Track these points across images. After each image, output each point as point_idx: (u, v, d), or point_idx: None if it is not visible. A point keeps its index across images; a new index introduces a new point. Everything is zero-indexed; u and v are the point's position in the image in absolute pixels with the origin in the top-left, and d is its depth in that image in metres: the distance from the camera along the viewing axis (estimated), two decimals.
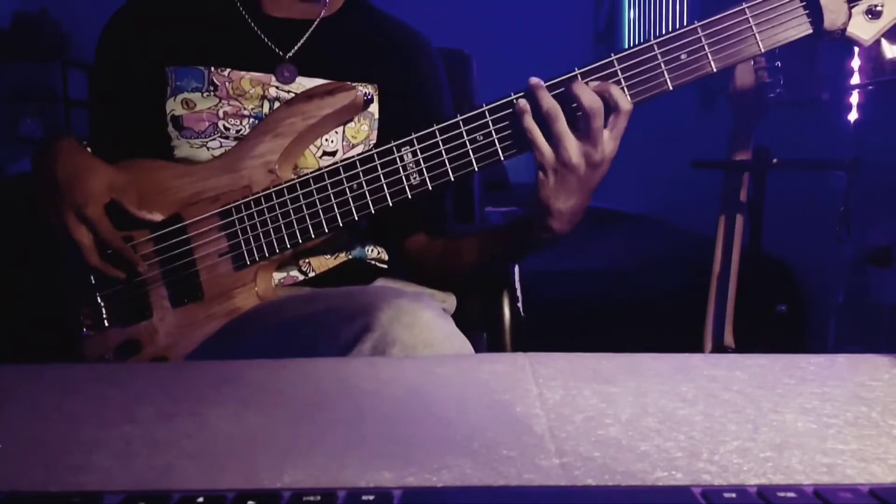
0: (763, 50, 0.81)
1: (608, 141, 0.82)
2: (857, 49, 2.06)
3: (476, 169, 0.85)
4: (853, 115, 2.04)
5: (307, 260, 0.97)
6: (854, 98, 2.04)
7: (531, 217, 0.89)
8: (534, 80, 0.83)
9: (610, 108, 0.81)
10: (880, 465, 0.39)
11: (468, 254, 1.00)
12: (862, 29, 0.80)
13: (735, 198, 1.70)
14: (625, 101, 0.81)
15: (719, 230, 1.72)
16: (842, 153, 1.91)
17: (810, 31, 0.80)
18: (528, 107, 0.82)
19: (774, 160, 1.68)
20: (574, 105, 0.81)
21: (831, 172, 1.94)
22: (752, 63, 1.55)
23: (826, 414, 0.46)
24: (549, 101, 0.81)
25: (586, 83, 0.81)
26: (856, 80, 2.00)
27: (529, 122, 0.82)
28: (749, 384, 0.51)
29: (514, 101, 0.83)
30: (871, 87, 1.96)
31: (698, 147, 2.25)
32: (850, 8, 0.80)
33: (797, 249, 2.20)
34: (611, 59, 0.83)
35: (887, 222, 1.86)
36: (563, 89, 0.82)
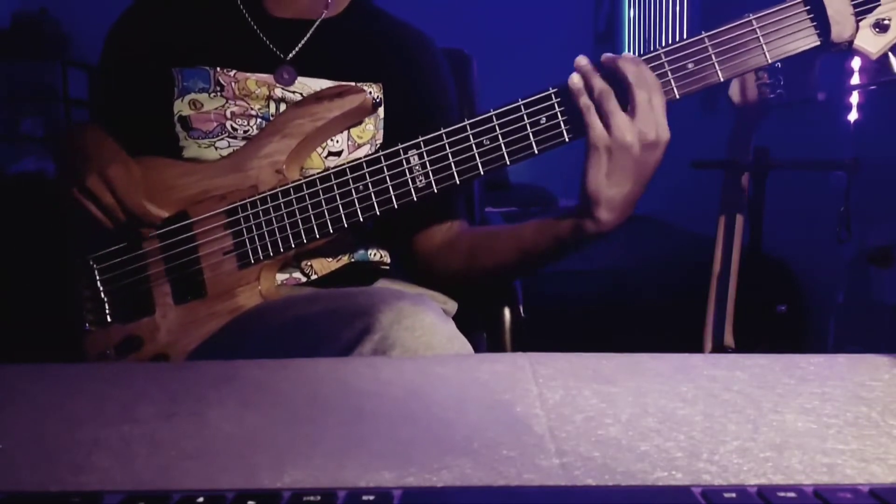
0: (770, 61, 0.81)
1: (658, 118, 0.80)
2: None
3: (482, 173, 0.85)
4: (853, 115, 2.04)
5: (309, 262, 0.97)
6: (854, 98, 2.04)
7: (576, 210, 0.86)
8: (582, 60, 0.82)
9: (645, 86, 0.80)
10: (880, 465, 0.39)
11: (500, 253, 0.96)
12: (869, 42, 0.80)
13: (735, 198, 1.70)
14: (652, 77, 0.80)
15: (719, 230, 1.72)
16: (842, 153, 1.91)
17: (818, 42, 0.80)
18: (582, 85, 0.81)
19: (774, 160, 1.68)
20: (618, 83, 0.81)
21: (831, 172, 1.94)
22: None
23: (826, 414, 0.46)
24: (599, 81, 0.81)
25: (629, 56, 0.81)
26: (856, 80, 2.00)
27: (585, 101, 0.81)
28: (749, 384, 0.51)
29: (569, 78, 0.82)
30: (871, 87, 1.96)
31: (698, 147, 2.25)
32: (858, 21, 0.79)
33: (797, 249, 2.20)
34: None
35: (887, 222, 1.86)
36: (606, 68, 0.82)
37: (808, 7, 0.80)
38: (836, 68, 2.05)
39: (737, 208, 1.69)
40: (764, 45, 0.81)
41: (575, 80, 0.82)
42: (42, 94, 4.16)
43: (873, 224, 1.88)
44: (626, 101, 0.80)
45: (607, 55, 0.82)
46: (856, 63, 1.97)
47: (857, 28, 0.79)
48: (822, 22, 0.80)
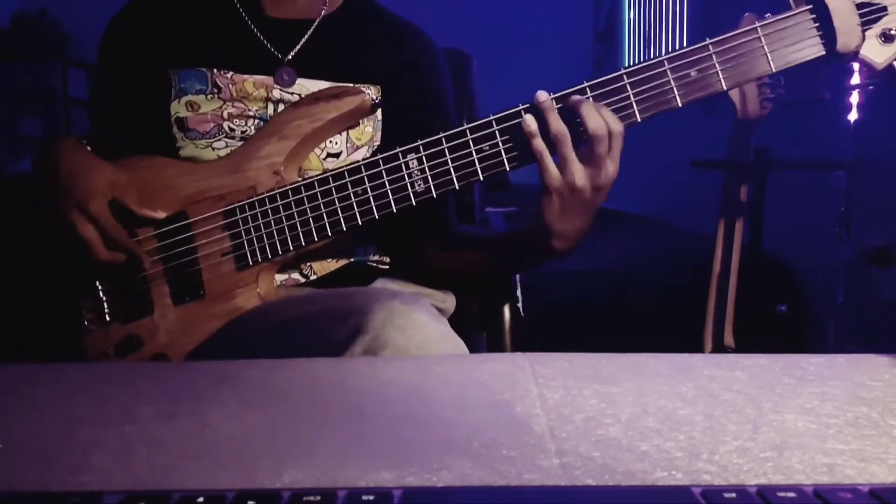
0: (774, 70, 0.80)
1: (610, 164, 0.81)
2: None
3: (481, 178, 0.85)
4: (853, 115, 2.04)
5: (308, 263, 0.97)
6: (854, 98, 2.04)
7: (534, 234, 0.89)
8: (542, 96, 0.81)
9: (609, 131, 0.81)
10: (880, 465, 0.39)
11: (474, 260, 1.00)
12: (875, 52, 0.79)
13: (735, 198, 1.70)
14: (616, 123, 0.80)
15: (719, 230, 1.72)
16: (842, 153, 1.91)
17: (823, 52, 0.79)
18: (536, 128, 0.81)
19: (774, 160, 1.68)
20: (578, 124, 0.81)
21: (831, 172, 1.94)
22: None
23: (826, 414, 0.46)
24: (557, 124, 0.81)
25: (593, 102, 0.81)
26: (856, 80, 2.00)
27: (538, 144, 0.81)
28: (749, 384, 0.51)
29: (522, 118, 0.82)
30: (871, 87, 1.96)
31: (698, 147, 2.25)
32: (864, 31, 0.78)
33: (797, 249, 2.20)
34: (620, 73, 0.82)
35: (887, 222, 1.86)
36: (569, 107, 0.81)
37: (813, 16, 0.79)
38: (837, 68, 2.05)
39: (737, 208, 1.69)
40: (769, 54, 0.80)
41: (528, 121, 0.81)
42: (42, 94, 4.16)
43: (873, 224, 1.89)
44: (584, 147, 0.81)
45: (573, 99, 0.81)
46: (856, 63, 1.97)
47: (864, 38, 0.78)
48: (827, 31, 0.79)
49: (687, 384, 0.51)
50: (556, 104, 0.82)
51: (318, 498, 0.34)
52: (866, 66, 0.80)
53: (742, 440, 0.42)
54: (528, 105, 0.83)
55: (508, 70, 3.03)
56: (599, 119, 0.79)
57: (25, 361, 0.59)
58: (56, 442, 0.43)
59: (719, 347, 1.70)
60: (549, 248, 0.88)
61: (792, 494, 0.34)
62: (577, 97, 0.81)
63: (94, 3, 2.31)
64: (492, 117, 0.84)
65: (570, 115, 0.81)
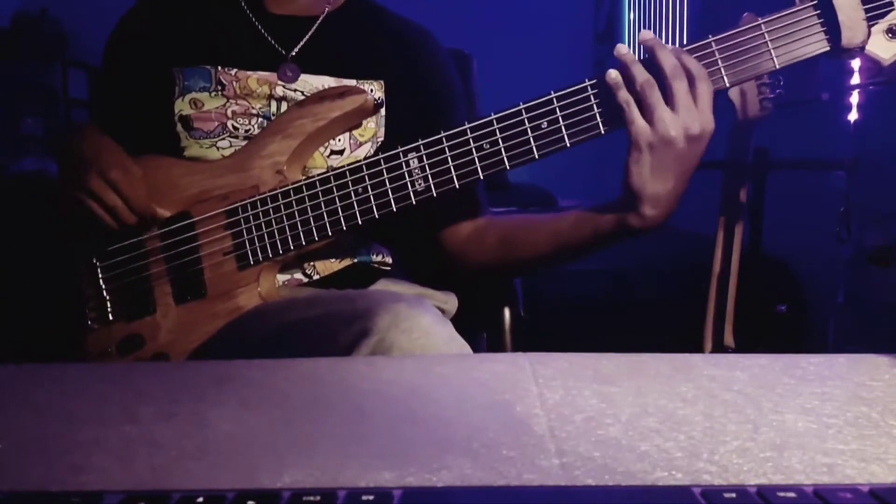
0: (778, 66, 0.79)
1: (700, 111, 0.77)
2: None
3: (481, 177, 0.85)
4: (853, 115, 2.04)
5: (311, 263, 0.97)
6: (854, 98, 2.04)
7: (619, 205, 0.84)
8: (623, 49, 0.79)
9: (687, 73, 0.78)
10: (880, 465, 0.39)
11: (537, 245, 0.95)
12: (882, 48, 0.78)
13: (735, 198, 1.70)
14: (695, 65, 0.77)
15: (719, 230, 1.72)
16: (842, 153, 1.91)
17: (827, 48, 0.78)
18: (620, 79, 0.79)
19: (774, 160, 1.68)
20: (658, 74, 0.78)
21: (831, 172, 1.94)
22: None
23: (826, 414, 0.46)
24: (641, 73, 0.78)
25: (671, 47, 0.78)
26: (856, 80, 2.00)
27: (624, 96, 0.79)
28: (749, 384, 0.51)
29: (607, 73, 0.80)
30: (871, 87, 1.96)
31: None
32: (870, 26, 0.77)
33: (797, 249, 2.20)
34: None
35: (887, 222, 1.86)
36: (644, 59, 0.80)
37: (818, 11, 0.78)
38: (837, 68, 2.05)
39: (737, 208, 1.69)
40: (772, 50, 0.79)
41: (612, 74, 0.79)
42: (42, 94, 4.16)
43: (873, 224, 1.88)
44: (667, 93, 0.78)
45: (649, 41, 0.78)
46: (856, 63, 1.97)
47: (869, 33, 0.77)
48: (832, 26, 0.77)
49: (687, 384, 0.51)
50: (556, 101, 0.81)
51: (318, 498, 0.34)
52: (872, 63, 0.79)
53: (742, 440, 0.42)
54: (526, 103, 0.83)
55: (508, 70, 3.03)
56: (674, 59, 0.77)
57: (27, 361, 0.59)
58: (56, 442, 0.43)
59: (719, 347, 1.70)
60: (640, 217, 0.82)
61: (792, 494, 0.34)
62: (651, 41, 0.79)
63: (94, 3, 2.31)
64: (493, 116, 0.84)
65: (650, 64, 0.79)
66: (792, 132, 2.09)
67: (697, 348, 1.72)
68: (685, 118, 0.77)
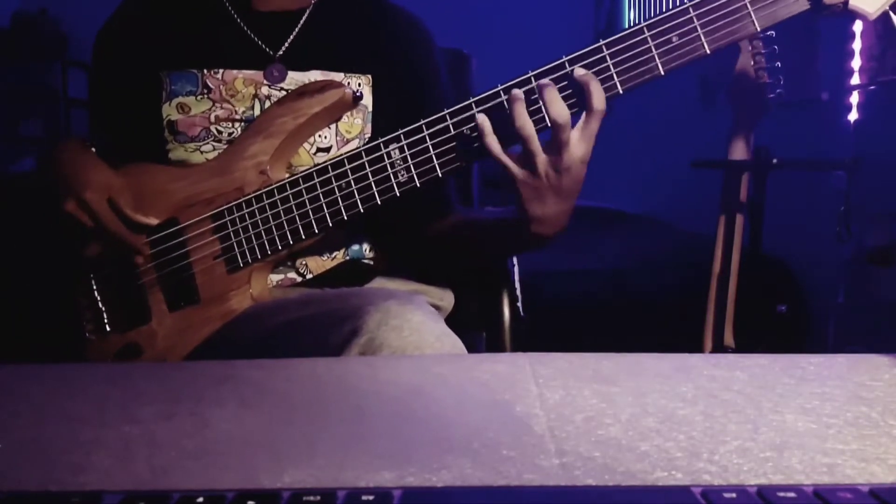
0: (759, 28, 0.76)
1: (577, 144, 0.78)
2: (858, 49, 2.06)
3: (463, 164, 0.83)
4: (853, 115, 2.04)
5: (304, 261, 0.97)
6: (854, 98, 2.04)
7: (517, 219, 0.87)
8: (515, 91, 0.79)
9: (584, 105, 0.78)
10: (880, 465, 0.39)
11: (470, 243, 1.00)
12: (866, 2, 0.74)
13: (735, 198, 1.70)
14: (599, 101, 0.77)
15: (719, 230, 1.72)
16: (842, 153, 1.91)
17: (808, 6, 0.75)
18: (490, 127, 0.79)
19: (774, 160, 1.68)
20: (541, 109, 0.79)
21: (831, 172, 1.94)
22: (752, 63, 1.55)
23: (826, 414, 0.46)
24: (522, 119, 0.78)
25: (561, 85, 0.79)
26: (856, 80, 2.00)
27: (491, 141, 0.80)
28: (749, 384, 0.51)
29: (476, 118, 0.80)
30: (871, 87, 1.96)
31: (698, 147, 2.24)
32: None
33: (797, 249, 2.20)
34: (599, 44, 0.79)
35: (887, 222, 1.86)
36: (537, 88, 0.79)
37: None
38: (837, 68, 2.05)
39: (737, 208, 1.69)
40: (752, 12, 0.76)
41: (481, 120, 0.80)
42: (42, 94, 4.16)
43: (873, 224, 1.88)
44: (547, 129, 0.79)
45: (539, 84, 0.79)
46: (856, 63, 1.97)
47: None
48: None
49: (687, 384, 0.51)
50: (525, 85, 0.80)
51: (318, 498, 0.34)
52: (857, 17, 0.76)
53: (742, 440, 0.42)
54: (504, 84, 0.81)
55: (508, 70, 3.02)
56: (560, 107, 0.77)
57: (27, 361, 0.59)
58: (56, 442, 0.43)
59: (719, 347, 1.70)
60: (532, 233, 0.86)
61: (792, 494, 0.34)
62: (543, 81, 0.79)
63: (94, 3, 2.30)
64: (471, 100, 0.82)
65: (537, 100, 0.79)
66: (792, 132, 2.09)
67: (697, 348, 1.72)
68: (555, 159, 0.79)
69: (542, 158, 0.79)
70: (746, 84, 1.58)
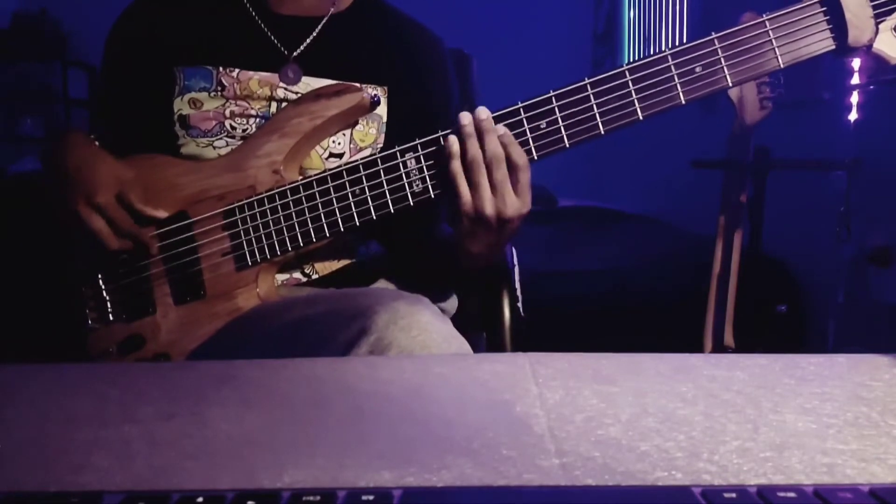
0: (782, 65, 0.77)
1: (521, 195, 0.82)
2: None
3: None
4: (853, 115, 2.04)
5: (311, 262, 0.97)
6: (854, 98, 2.04)
7: (451, 251, 0.91)
8: (465, 119, 0.83)
9: (509, 161, 0.81)
10: (880, 465, 0.39)
11: (436, 259, 1.02)
12: (890, 46, 0.76)
13: (735, 198, 1.70)
14: (518, 154, 0.81)
15: (719, 230, 1.72)
16: (842, 153, 1.91)
17: (833, 46, 0.76)
18: (457, 148, 0.82)
19: (774, 160, 1.68)
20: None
21: (831, 172, 1.94)
22: None
23: (826, 414, 0.46)
24: (476, 150, 0.81)
25: (504, 123, 0.82)
26: (856, 80, 2.00)
27: (456, 166, 0.82)
28: (749, 384, 0.51)
29: (446, 140, 0.83)
30: (871, 87, 1.96)
31: (698, 147, 2.25)
32: (878, 24, 0.75)
33: (797, 249, 2.20)
34: (622, 69, 0.80)
35: (887, 222, 1.86)
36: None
37: (823, 9, 0.76)
38: (837, 68, 2.05)
39: (737, 208, 1.70)
40: (777, 49, 0.77)
41: (451, 142, 0.82)
42: (42, 94, 4.16)
43: (873, 224, 1.89)
44: (490, 176, 0.82)
45: (483, 122, 0.82)
46: (856, 63, 1.97)
47: (877, 31, 0.75)
48: (837, 24, 0.75)
49: (687, 384, 0.51)
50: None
51: (318, 498, 0.34)
52: (879, 62, 0.77)
53: (742, 440, 0.42)
54: (524, 102, 0.83)
55: (508, 70, 3.03)
56: (499, 149, 0.81)
57: (27, 361, 0.59)
58: (56, 442, 0.43)
59: (719, 347, 1.70)
60: (462, 267, 0.91)
61: (792, 494, 0.34)
62: (487, 125, 0.82)
63: (94, 3, 2.31)
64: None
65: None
66: (792, 132, 2.09)
67: (697, 348, 1.72)
68: (500, 202, 0.82)
69: (488, 197, 0.82)
70: (746, 84, 1.58)
